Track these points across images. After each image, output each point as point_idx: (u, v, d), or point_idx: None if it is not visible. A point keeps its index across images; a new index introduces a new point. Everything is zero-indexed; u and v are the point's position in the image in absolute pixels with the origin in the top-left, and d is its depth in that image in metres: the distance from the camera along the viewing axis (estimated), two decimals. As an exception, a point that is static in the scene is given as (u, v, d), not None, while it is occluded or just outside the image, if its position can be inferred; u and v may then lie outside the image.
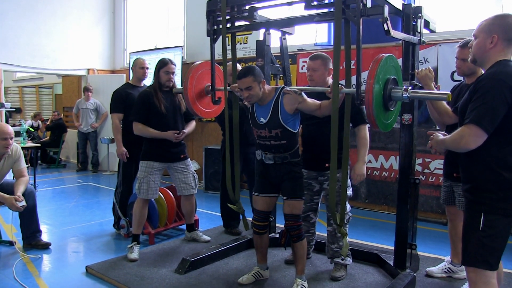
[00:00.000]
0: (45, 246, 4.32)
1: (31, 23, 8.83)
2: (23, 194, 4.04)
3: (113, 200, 4.83)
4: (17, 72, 13.22)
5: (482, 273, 2.16)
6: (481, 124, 2.05)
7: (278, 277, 3.61)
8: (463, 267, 2.66)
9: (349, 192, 3.52)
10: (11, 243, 4.40)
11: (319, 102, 3.10)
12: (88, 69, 9.95)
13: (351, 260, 3.65)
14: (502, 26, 2.18)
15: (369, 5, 2.67)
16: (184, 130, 4.23)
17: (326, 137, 3.22)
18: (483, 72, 2.31)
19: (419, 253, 3.73)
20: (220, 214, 4.97)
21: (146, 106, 4.06)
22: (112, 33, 10.36)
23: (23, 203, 3.96)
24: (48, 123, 10.89)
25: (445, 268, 3.61)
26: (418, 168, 5.47)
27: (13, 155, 4.20)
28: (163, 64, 4.12)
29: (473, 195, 2.20)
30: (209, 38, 3.64)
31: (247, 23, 3.62)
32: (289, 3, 3.32)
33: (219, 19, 3.51)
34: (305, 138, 3.66)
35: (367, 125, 3.51)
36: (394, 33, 2.82)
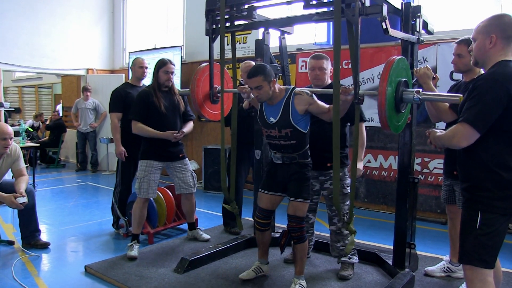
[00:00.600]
0: (44, 246, 4.31)
1: (30, 23, 8.83)
2: (23, 193, 4.04)
3: (112, 199, 4.83)
4: (16, 72, 13.22)
5: (478, 271, 2.18)
6: (473, 123, 2.10)
7: (277, 276, 3.61)
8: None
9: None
10: (10, 243, 4.40)
11: (328, 105, 3.08)
12: (88, 69, 9.95)
13: (357, 258, 3.66)
14: (499, 25, 2.20)
15: (367, 4, 2.67)
16: (183, 130, 4.23)
17: (327, 136, 3.23)
18: (481, 70, 2.32)
19: (418, 252, 3.74)
20: (221, 214, 4.99)
21: (146, 106, 4.06)
22: (111, 33, 10.36)
23: (24, 199, 3.92)
24: (47, 122, 10.89)
25: (444, 268, 3.61)
26: (417, 167, 5.47)
27: (12, 155, 4.20)
28: (162, 64, 4.12)
29: (471, 193, 2.22)
30: (208, 37, 3.63)
31: (246, 22, 3.62)
32: (288, 2, 3.32)
33: (218, 18, 3.51)
34: None
35: (364, 123, 3.57)
36: (393, 32, 2.82)
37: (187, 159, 4.42)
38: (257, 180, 4.27)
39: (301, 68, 6.52)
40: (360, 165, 3.41)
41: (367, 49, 5.85)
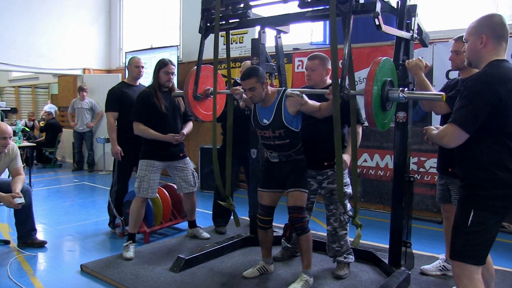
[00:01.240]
0: (41, 245, 4.31)
1: (27, 22, 8.81)
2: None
3: (109, 199, 4.83)
4: (13, 72, 13.18)
5: (467, 268, 2.21)
6: (461, 124, 2.15)
7: (281, 272, 3.63)
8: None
9: (349, 190, 3.57)
10: (6, 242, 4.39)
11: (319, 104, 3.17)
12: (84, 69, 9.93)
13: (353, 257, 3.66)
14: (489, 25, 2.24)
15: (361, 0, 2.69)
16: (183, 131, 4.25)
17: (324, 136, 3.26)
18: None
19: (414, 251, 3.75)
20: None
21: (146, 106, 4.08)
22: (108, 32, 10.34)
23: (22, 200, 3.95)
24: (41, 124, 10.85)
25: (440, 266, 3.62)
26: (413, 167, 5.48)
27: (10, 154, 4.21)
28: (163, 65, 4.15)
29: (467, 191, 2.25)
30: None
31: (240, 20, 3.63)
32: (284, 1, 3.33)
33: (214, 17, 3.51)
34: (303, 137, 3.66)
35: (361, 126, 3.59)
36: (385, 28, 2.83)
37: (188, 158, 4.44)
38: (253, 179, 4.27)
39: (298, 68, 6.53)
40: (346, 157, 3.39)
41: (363, 49, 5.86)
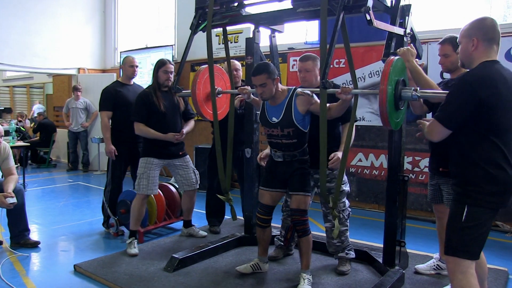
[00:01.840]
0: (34, 245, 4.28)
1: (21, 22, 8.77)
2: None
3: (103, 198, 4.81)
4: (7, 71, 13.12)
5: (461, 263, 2.25)
6: (443, 122, 2.27)
7: (279, 271, 3.64)
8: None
9: (347, 188, 3.61)
10: (-2, 243, 4.37)
11: (328, 104, 3.10)
12: (79, 68, 9.90)
13: (354, 253, 3.68)
14: (480, 28, 2.31)
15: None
16: (183, 130, 4.25)
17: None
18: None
19: (408, 250, 3.75)
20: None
21: (146, 106, 4.09)
22: (102, 32, 10.31)
23: (14, 200, 3.94)
24: (32, 125, 10.78)
25: (434, 265, 3.63)
26: (408, 166, 5.49)
27: (2, 154, 4.20)
28: (161, 64, 4.17)
29: (461, 187, 2.30)
30: (200, 37, 3.66)
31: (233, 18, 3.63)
32: (278, -1, 3.34)
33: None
34: None
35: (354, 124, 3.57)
36: (377, 23, 2.82)
37: (188, 156, 4.43)
38: (247, 178, 4.27)
39: (292, 67, 6.52)
40: (339, 154, 3.39)
41: (358, 48, 5.86)
